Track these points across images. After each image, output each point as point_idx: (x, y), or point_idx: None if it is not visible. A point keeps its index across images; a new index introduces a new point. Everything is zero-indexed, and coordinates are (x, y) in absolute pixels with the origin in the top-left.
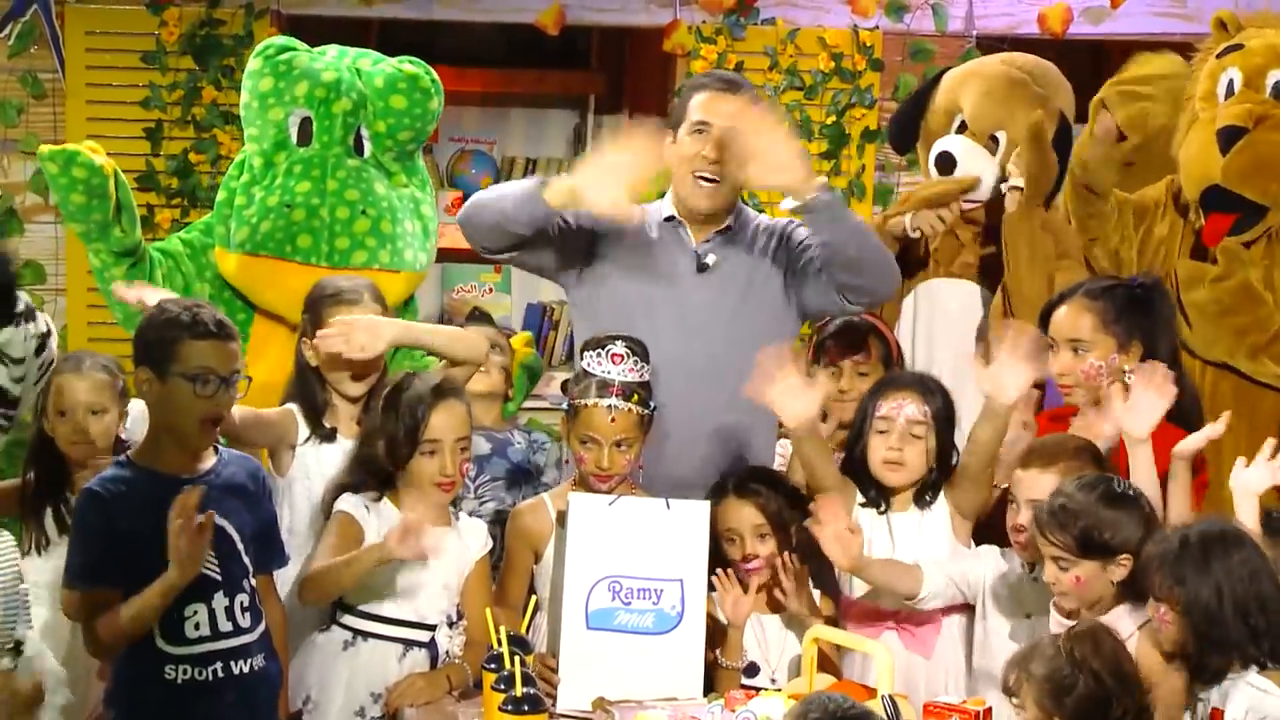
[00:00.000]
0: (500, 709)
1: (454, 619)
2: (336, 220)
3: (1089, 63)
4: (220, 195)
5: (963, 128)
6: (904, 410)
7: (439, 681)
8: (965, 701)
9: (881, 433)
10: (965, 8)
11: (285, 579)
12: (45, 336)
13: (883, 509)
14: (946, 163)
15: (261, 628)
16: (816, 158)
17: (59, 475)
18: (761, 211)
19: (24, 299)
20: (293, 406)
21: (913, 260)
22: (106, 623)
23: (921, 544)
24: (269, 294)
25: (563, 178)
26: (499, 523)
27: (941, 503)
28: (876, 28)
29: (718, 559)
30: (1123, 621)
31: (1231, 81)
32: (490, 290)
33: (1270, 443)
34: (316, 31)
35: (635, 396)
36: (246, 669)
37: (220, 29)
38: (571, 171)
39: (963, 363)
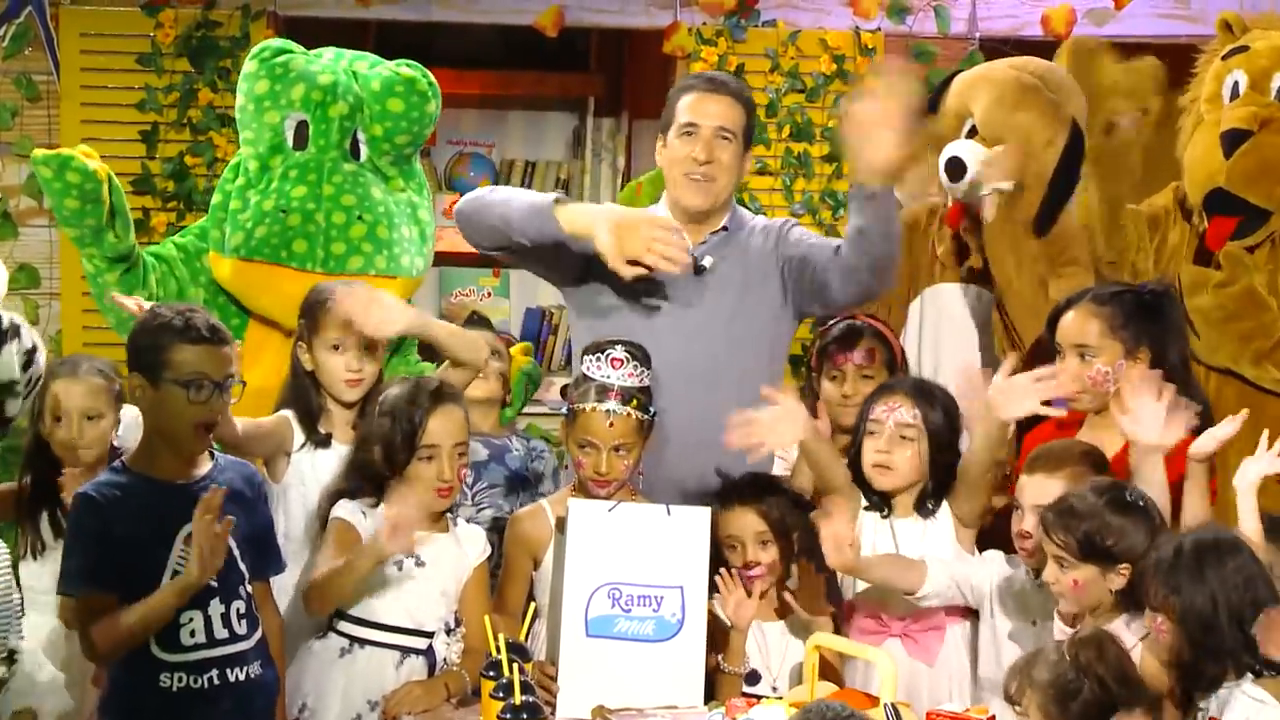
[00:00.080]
0: (499, 717)
1: (452, 626)
2: (332, 225)
3: None
4: (215, 199)
5: (973, 132)
6: (894, 414)
7: (437, 689)
8: (969, 709)
9: (872, 434)
10: (968, 9)
11: (282, 586)
12: (32, 352)
13: (885, 513)
14: (957, 167)
15: (258, 635)
16: (818, 160)
17: (55, 480)
18: (760, 213)
19: (7, 317)
20: (288, 413)
21: (921, 265)
22: (104, 628)
23: (925, 549)
24: (264, 299)
25: (582, 207)
26: (497, 530)
27: (945, 509)
28: (878, 30)
29: (719, 566)
30: (1123, 634)
31: (1236, 84)
32: (489, 294)
33: (1267, 435)
34: (314, 33)
35: (634, 401)
36: (242, 676)
37: (216, 31)
38: (595, 208)
39: (966, 366)
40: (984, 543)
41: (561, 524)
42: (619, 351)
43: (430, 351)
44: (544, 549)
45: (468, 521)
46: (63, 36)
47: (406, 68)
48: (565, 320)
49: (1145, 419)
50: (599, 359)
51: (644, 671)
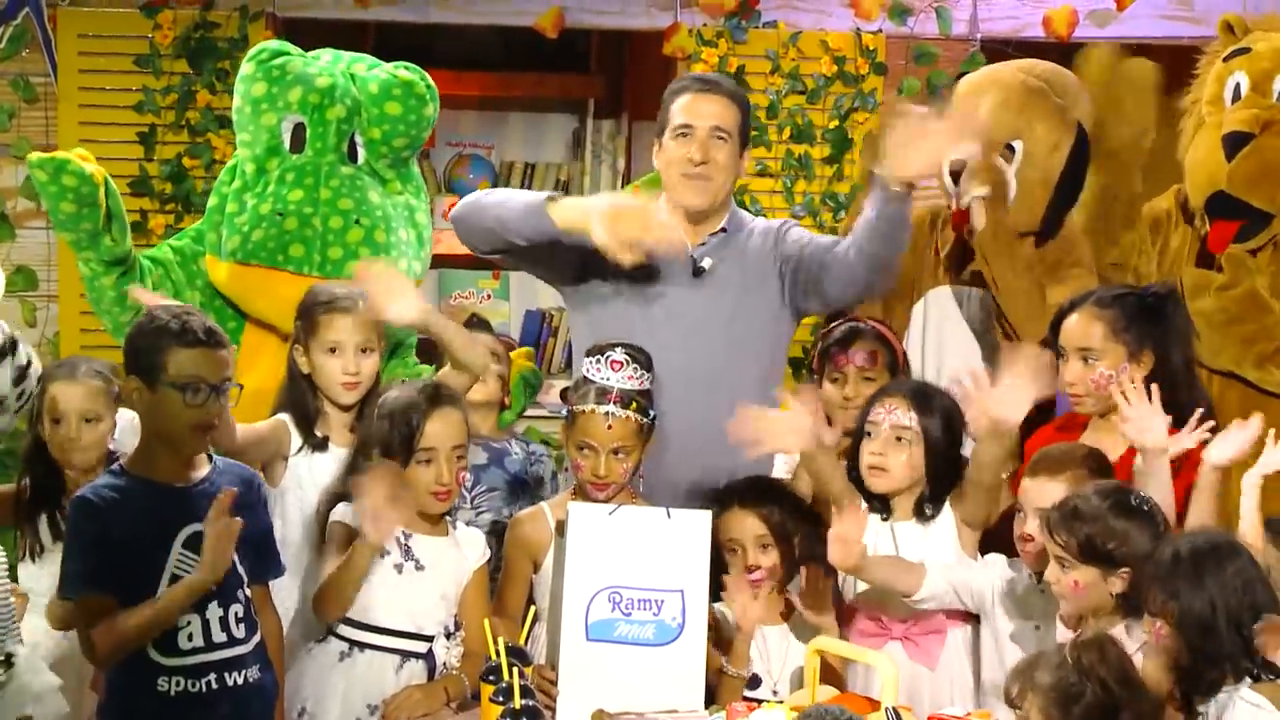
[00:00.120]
0: None
1: (452, 630)
2: (330, 230)
3: None
4: (211, 201)
5: None
6: (890, 416)
7: (436, 693)
8: (970, 714)
9: (869, 436)
10: (969, 11)
11: (280, 589)
12: (25, 368)
13: (885, 517)
14: (961, 170)
15: (256, 639)
16: (819, 162)
17: (54, 482)
18: (760, 215)
19: (4, 333)
20: (284, 416)
21: (924, 267)
22: (104, 630)
23: (926, 553)
24: (260, 303)
25: (575, 201)
26: (495, 534)
27: (947, 512)
28: (879, 31)
29: (719, 569)
30: (1124, 640)
31: (1238, 86)
32: (488, 297)
33: (1272, 435)
34: (313, 34)
35: (634, 404)
36: (240, 680)
37: (215, 32)
38: (588, 200)
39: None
40: (986, 545)
41: (561, 527)
42: (619, 354)
43: (429, 354)
44: (544, 552)
45: (467, 525)
46: (60, 38)
47: (405, 70)
48: (565, 322)
49: (1146, 424)
50: (599, 361)
51: (644, 675)
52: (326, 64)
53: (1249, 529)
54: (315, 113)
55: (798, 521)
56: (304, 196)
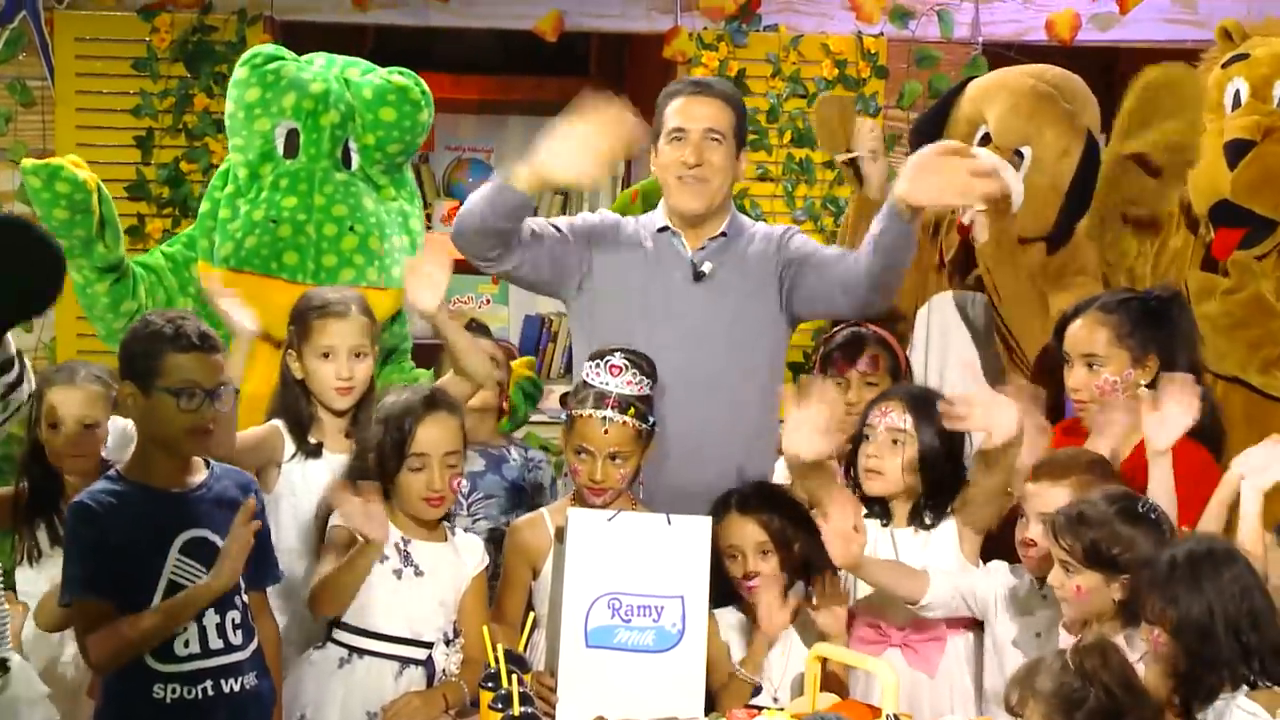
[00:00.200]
0: None
1: (450, 636)
2: (324, 237)
3: (1098, 70)
4: (203, 207)
5: (985, 140)
6: (885, 419)
7: (435, 700)
8: None
9: (866, 439)
10: (971, 14)
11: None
12: (15, 385)
13: (885, 522)
14: None
15: (253, 645)
16: (820, 166)
17: (52, 486)
18: (761, 219)
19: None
20: (278, 423)
21: (928, 273)
22: (104, 636)
23: (927, 559)
24: (253, 310)
25: (527, 161)
26: (493, 541)
27: (947, 518)
28: (881, 34)
29: (719, 576)
30: (1125, 650)
31: (1238, 92)
32: (487, 302)
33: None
34: (311, 38)
35: (632, 410)
36: (237, 687)
37: (212, 35)
38: (534, 155)
39: (971, 375)
40: (988, 552)
41: (561, 533)
42: (618, 359)
43: (428, 359)
44: (543, 558)
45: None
46: (57, 41)
47: (399, 75)
48: (564, 328)
49: (1168, 424)
50: (598, 366)
51: (644, 682)
52: (320, 69)
53: (1249, 534)
54: (309, 118)
55: (797, 528)
56: (298, 203)
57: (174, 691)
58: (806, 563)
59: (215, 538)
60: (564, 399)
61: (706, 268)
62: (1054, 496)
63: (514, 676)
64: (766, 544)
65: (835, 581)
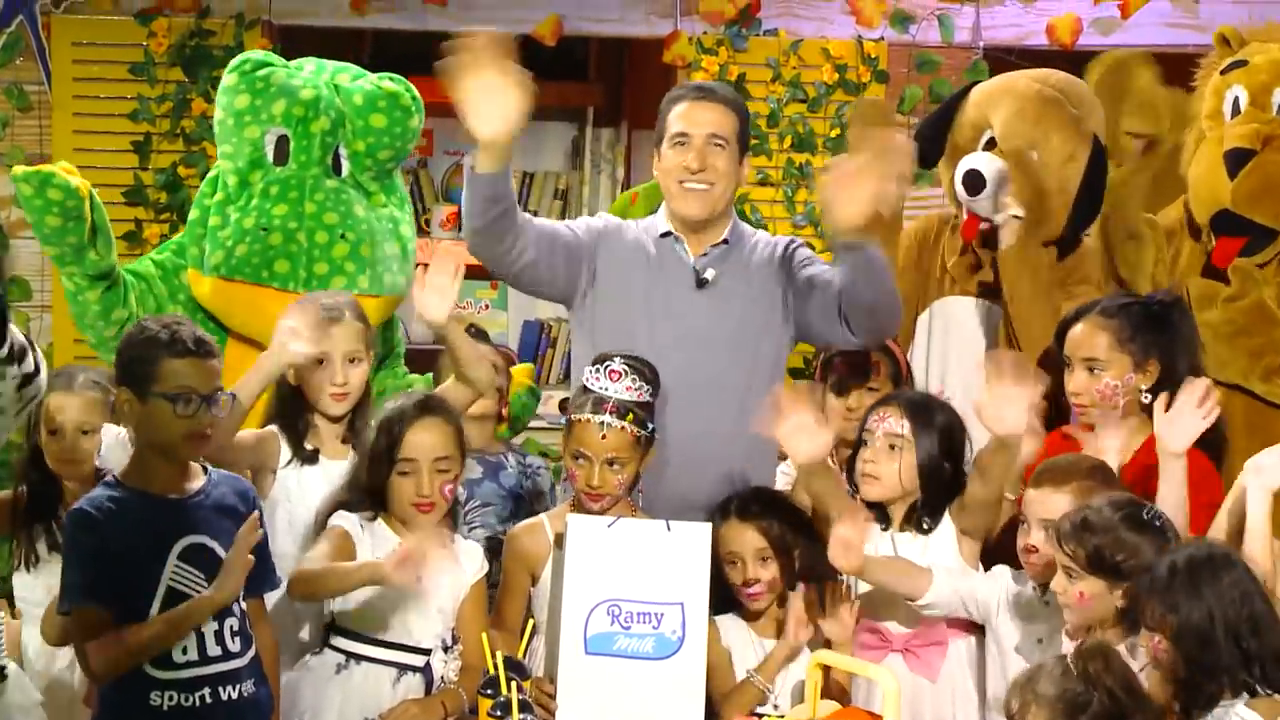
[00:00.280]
0: None
1: (449, 643)
2: (315, 245)
3: None
4: (192, 214)
5: (991, 144)
6: (883, 424)
7: (434, 707)
8: None
9: (865, 444)
10: (972, 18)
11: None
12: (32, 375)
13: (885, 527)
14: (974, 180)
15: (251, 652)
16: (821, 171)
17: (50, 491)
18: (761, 225)
19: (19, 340)
20: (274, 428)
21: (930, 278)
22: (103, 644)
23: (926, 563)
24: (244, 319)
25: (479, 144)
26: (490, 548)
27: (947, 523)
28: (881, 39)
29: (718, 582)
30: (1127, 658)
31: (1237, 99)
32: (486, 307)
33: None
34: (309, 42)
35: (630, 415)
36: (235, 694)
37: (210, 40)
38: (478, 136)
39: (974, 380)
40: (989, 558)
41: (560, 539)
42: (618, 364)
43: (425, 365)
44: (542, 564)
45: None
46: (54, 46)
47: (389, 81)
48: (563, 333)
49: (1183, 427)
50: (599, 370)
51: (644, 689)
52: (310, 75)
53: (1257, 539)
54: (300, 125)
55: (797, 534)
56: (289, 211)
57: (171, 699)
58: (807, 568)
59: (214, 544)
60: (564, 405)
61: (709, 274)
62: (1055, 502)
63: (513, 683)
64: (766, 550)
65: (841, 591)
